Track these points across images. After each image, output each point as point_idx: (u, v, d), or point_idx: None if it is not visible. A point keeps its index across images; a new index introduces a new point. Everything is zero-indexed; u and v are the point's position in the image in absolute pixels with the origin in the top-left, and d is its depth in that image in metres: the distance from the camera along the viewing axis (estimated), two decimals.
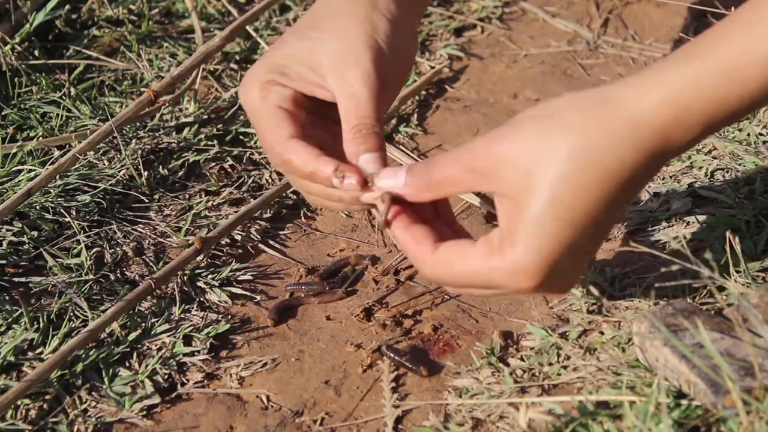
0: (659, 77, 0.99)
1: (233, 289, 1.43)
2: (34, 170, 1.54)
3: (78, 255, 1.45)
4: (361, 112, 1.12)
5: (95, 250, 1.46)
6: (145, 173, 1.56)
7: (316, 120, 1.18)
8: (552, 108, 1.01)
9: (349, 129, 1.12)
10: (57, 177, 1.52)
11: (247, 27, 1.81)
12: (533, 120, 1.01)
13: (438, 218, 1.11)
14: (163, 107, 1.65)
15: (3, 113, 1.67)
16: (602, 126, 0.99)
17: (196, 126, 1.66)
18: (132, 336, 1.35)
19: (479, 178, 1.03)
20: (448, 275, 1.06)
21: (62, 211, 1.50)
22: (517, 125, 1.01)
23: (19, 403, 1.27)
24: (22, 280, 1.43)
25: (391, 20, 1.15)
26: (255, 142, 1.65)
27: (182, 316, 1.38)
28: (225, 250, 1.48)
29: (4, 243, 1.46)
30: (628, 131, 0.99)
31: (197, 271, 1.44)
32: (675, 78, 0.98)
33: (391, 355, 1.30)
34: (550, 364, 1.26)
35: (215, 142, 1.64)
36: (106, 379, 1.30)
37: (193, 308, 1.40)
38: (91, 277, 1.42)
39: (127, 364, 1.32)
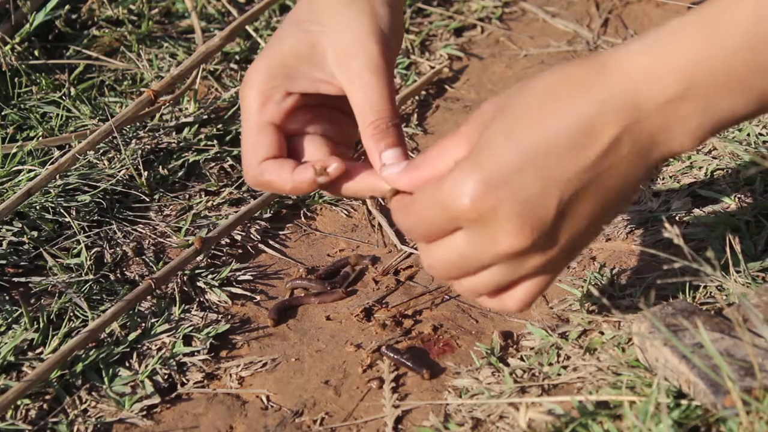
0: (642, 36, 0.97)
1: (233, 289, 1.43)
2: (34, 170, 1.54)
3: (78, 255, 1.45)
4: (376, 106, 1.09)
5: (95, 250, 1.46)
6: (145, 173, 1.56)
7: (322, 111, 1.15)
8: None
9: (366, 125, 1.09)
10: (57, 177, 1.52)
11: (247, 27, 1.81)
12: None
13: None
14: (163, 107, 1.65)
15: (3, 113, 1.67)
16: (574, 70, 0.97)
17: (196, 126, 1.66)
18: (132, 336, 1.35)
19: (466, 135, 1.01)
20: (410, 206, 1.03)
21: (62, 211, 1.50)
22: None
23: (19, 403, 1.27)
24: (22, 280, 1.43)
25: (390, 5, 1.12)
26: None
27: (182, 316, 1.38)
28: (225, 250, 1.48)
29: (4, 243, 1.46)
30: (597, 69, 0.96)
31: (197, 271, 1.44)
32: (654, 33, 0.96)
33: (392, 356, 1.30)
34: (550, 364, 1.26)
35: (215, 142, 1.64)
36: (106, 379, 1.30)
37: (193, 308, 1.40)
38: (91, 277, 1.42)
39: (127, 364, 1.32)
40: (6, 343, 1.32)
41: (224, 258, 1.47)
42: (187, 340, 1.35)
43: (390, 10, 1.11)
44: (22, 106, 1.68)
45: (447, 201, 0.99)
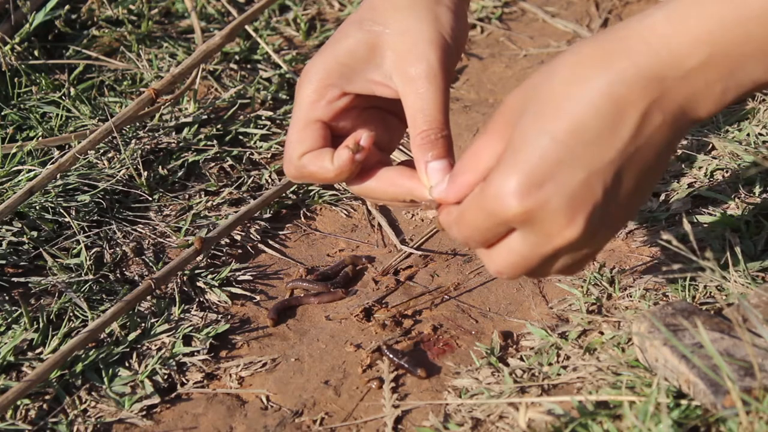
0: (661, 4, 0.97)
1: (233, 289, 1.43)
2: (34, 170, 1.54)
3: (78, 255, 1.45)
4: (428, 115, 1.08)
5: (95, 250, 1.46)
6: (145, 173, 1.56)
7: (373, 114, 1.14)
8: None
9: (416, 134, 1.09)
10: (57, 177, 1.52)
11: (247, 27, 1.81)
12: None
13: None
14: (162, 107, 1.65)
15: (3, 113, 1.67)
16: (594, 48, 0.97)
17: (196, 126, 1.67)
18: (132, 336, 1.35)
19: (498, 131, 1.01)
20: (461, 219, 1.03)
21: (62, 211, 1.50)
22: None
23: (19, 403, 1.27)
24: (22, 280, 1.43)
25: (454, 11, 1.11)
26: (254, 142, 1.65)
27: (182, 316, 1.38)
28: (225, 250, 1.48)
29: (4, 243, 1.46)
30: (618, 43, 0.96)
31: (197, 271, 1.44)
32: (675, 1, 0.96)
33: (390, 355, 1.30)
34: (550, 364, 1.26)
35: (215, 142, 1.64)
36: (105, 379, 1.30)
37: (192, 308, 1.40)
38: (91, 277, 1.42)
39: (127, 364, 1.32)
40: (6, 343, 1.32)
41: (224, 258, 1.47)
42: (187, 340, 1.35)
43: (453, 15, 1.11)
44: (22, 106, 1.68)
45: (493, 208, 0.99)
